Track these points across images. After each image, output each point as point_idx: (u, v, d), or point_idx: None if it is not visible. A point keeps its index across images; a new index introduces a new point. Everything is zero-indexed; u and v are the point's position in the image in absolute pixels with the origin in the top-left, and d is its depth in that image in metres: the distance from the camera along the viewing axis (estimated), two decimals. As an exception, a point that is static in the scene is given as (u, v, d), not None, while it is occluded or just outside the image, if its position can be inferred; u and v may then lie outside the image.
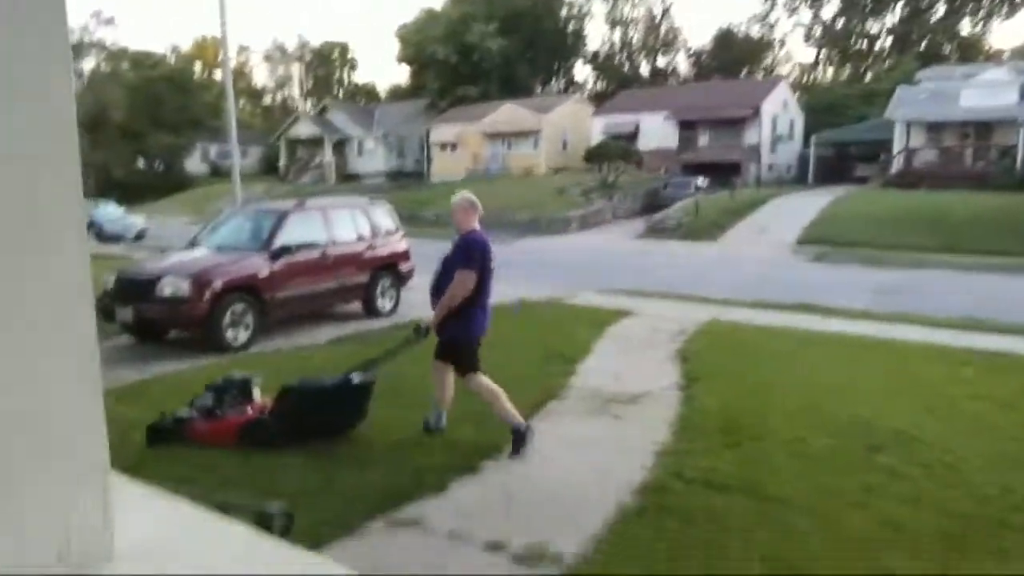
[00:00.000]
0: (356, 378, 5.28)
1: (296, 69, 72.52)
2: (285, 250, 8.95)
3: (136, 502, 0.98)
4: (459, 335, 5.27)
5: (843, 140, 39.58)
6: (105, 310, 8.46)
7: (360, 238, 10.17)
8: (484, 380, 5.27)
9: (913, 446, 5.10)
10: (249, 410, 5.24)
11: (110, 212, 27.38)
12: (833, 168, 39.16)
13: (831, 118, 40.89)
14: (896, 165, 33.03)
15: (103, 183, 41.95)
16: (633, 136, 40.38)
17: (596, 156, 34.15)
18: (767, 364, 7.60)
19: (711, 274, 16.77)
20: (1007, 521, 3.92)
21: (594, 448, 5.28)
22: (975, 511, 4.07)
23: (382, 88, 69.19)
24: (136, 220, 27.16)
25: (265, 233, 9.11)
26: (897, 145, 33.09)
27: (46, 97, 0.75)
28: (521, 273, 16.53)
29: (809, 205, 27.47)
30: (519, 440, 5.08)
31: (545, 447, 5.29)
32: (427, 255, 17.13)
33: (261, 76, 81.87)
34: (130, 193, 42.92)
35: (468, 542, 3.76)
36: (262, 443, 4.95)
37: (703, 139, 39.89)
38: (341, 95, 66.74)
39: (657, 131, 40.21)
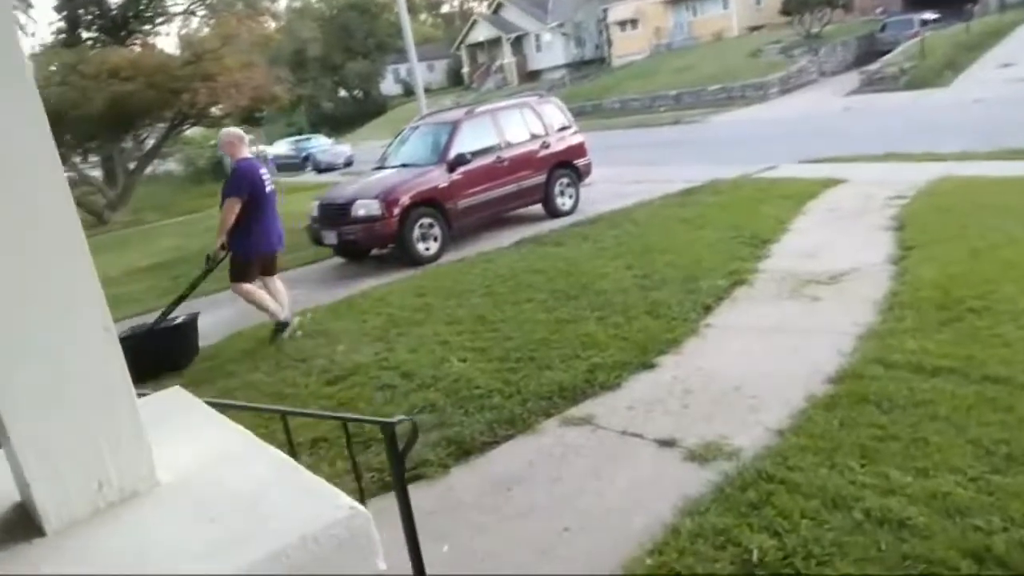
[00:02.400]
0: (178, 319, 5.88)
1: (469, -30, 71.84)
2: (461, 159, 9.14)
3: (195, 427, 1.05)
4: (236, 249, 5.89)
5: None
6: (314, 235, 9.33)
7: (533, 137, 10.07)
8: (250, 291, 6.03)
9: None
10: None
11: (321, 144, 29.88)
12: (1112, -32, 31.27)
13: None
14: None
15: (313, 117, 45.70)
16: (840, -26, 35.16)
17: (795, 6, 30.34)
18: (1002, 225, 6.46)
19: (941, 126, 14.48)
20: None
21: (785, 335, 4.91)
22: None
23: (555, -26, 66.48)
24: (344, 148, 29.36)
25: (441, 145, 9.34)
26: None
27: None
28: (712, 151, 15.52)
29: (1075, 21, 22.41)
30: (279, 329, 6.08)
31: (730, 338, 5.02)
32: (612, 146, 16.69)
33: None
34: (337, 123, 46.43)
35: (639, 438, 3.72)
36: None
37: (930, -38, 33.64)
38: (515, -10, 65.29)
39: (869, -37, 34.60)
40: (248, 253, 5.98)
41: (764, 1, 37.90)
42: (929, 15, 27.89)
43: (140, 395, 1.57)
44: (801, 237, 7.47)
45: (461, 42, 51.54)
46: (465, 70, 51.61)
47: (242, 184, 5.74)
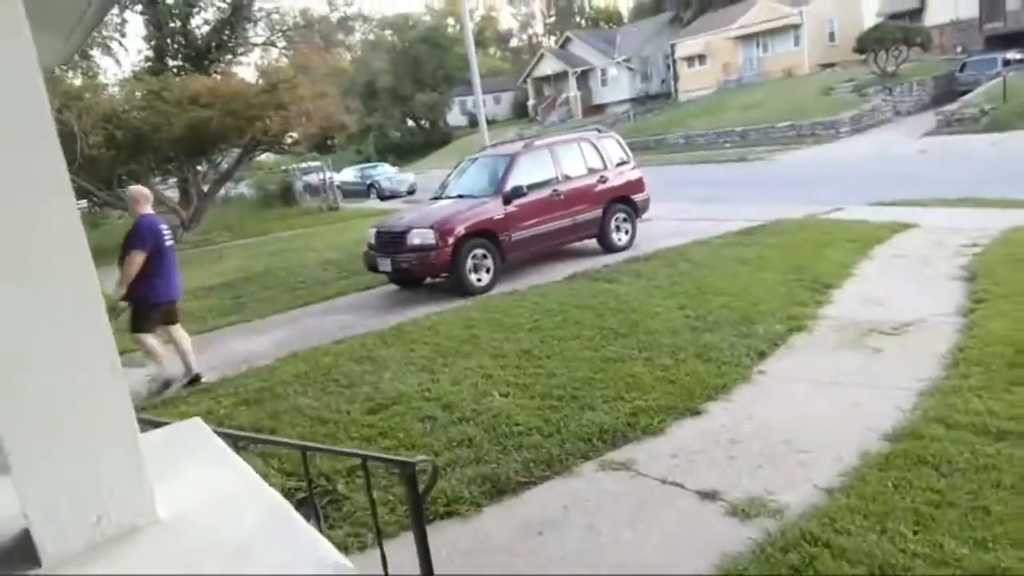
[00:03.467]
0: None
1: (538, 4, 73.10)
2: (517, 191, 9.19)
3: (204, 462, 1.07)
4: (139, 299, 6.12)
5: None
6: (370, 262, 9.50)
7: (590, 171, 10.05)
8: (148, 340, 6.21)
9: None
10: None
11: (386, 172, 30.61)
12: None
13: None
14: None
15: (380, 145, 46.96)
16: (918, 12, 34.32)
17: (870, 43, 29.65)
18: (1087, 278, 6.08)
19: (1022, 171, 13.82)
20: None
21: (842, 387, 4.70)
22: None
23: (625, 8, 67.07)
24: (407, 177, 29.99)
25: (498, 177, 9.42)
26: None
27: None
28: (777, 190, 15.19)
29: None
30: (165, 386, 6.26)
31: (783, 387, 4.83)
32: (673, 182, 16.53)
33: (506, 19, 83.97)
34: (403, 152, 47.59)
35: (680, 488, 3.59)
36: None
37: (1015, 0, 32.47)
38: (584, 24, 66.07)
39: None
40: (150, 302, 6.19)
41: (838, 37, 37.28)
42: (1014, 54, 26.83)
43: (160, 424, 1.60)
44: (866, 283, 7.20)
45: (528, 75, 52.27)
46: (531, 103, 52.24)
47: (145, 238, 6.04)
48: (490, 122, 23.97)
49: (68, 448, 0.79)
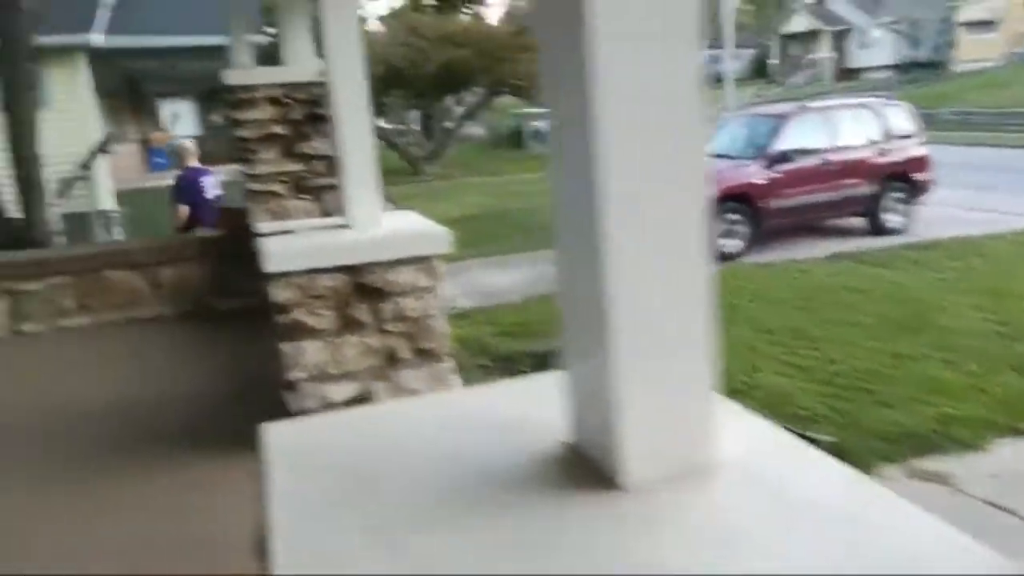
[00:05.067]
0: None
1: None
2: (783, 157, 8.54)
3: (728, 418, 1.03)
4: None
5: None
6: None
7: (869, 143, 9.06)
8: None
9: None
10: None
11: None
12: None
13: None
14: None
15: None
16: None
17: None
18: None
19: None
20: None
21: None
22: None
23: (896, -36, 59.57)
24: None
25: (762, 139, 8.80)
26: None
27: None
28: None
29: None
30: None
31: None
32: (943, 163, 14.62)
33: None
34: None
35: (1012, 516, 3.11)
36: None
37: None
38: (844, -21, 59.74)
39: None
40: None
41: None
42: None
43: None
44: None
45: (774, 31, 48.62)
46: (772, 61, 48.66)
47: (182, 191, 6.22)
48: (726, 80, 22.61)
49: (667, 385, 0.76)
